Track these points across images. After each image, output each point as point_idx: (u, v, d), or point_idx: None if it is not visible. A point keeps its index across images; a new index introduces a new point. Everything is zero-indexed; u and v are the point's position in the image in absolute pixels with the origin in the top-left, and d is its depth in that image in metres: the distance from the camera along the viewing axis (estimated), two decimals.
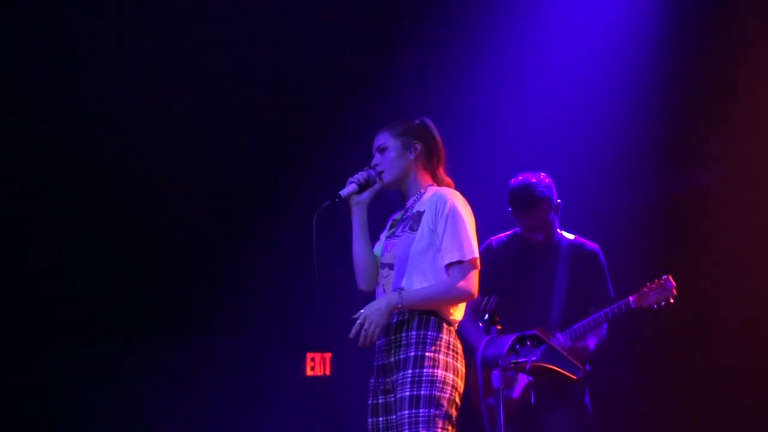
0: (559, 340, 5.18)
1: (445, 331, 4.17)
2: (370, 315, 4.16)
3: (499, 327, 3.95)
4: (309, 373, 6.94)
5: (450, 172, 4.46)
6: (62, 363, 6.69)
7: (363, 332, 4.19)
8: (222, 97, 6.91)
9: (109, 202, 6.81)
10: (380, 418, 4.24)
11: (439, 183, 4.41)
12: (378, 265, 4.39)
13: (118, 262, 6.83)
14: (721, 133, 6.85)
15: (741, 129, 6.80)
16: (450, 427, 4.09)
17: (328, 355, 6.95)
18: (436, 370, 4.08)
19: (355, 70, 7.07)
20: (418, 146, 4.36)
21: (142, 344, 6.80)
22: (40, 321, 6.68)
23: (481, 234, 5.52)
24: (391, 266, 4.31)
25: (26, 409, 6.55)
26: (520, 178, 5.36)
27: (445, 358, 4.13)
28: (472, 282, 4.18)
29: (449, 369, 4.13)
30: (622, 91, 6.84)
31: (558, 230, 5.41)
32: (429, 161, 4.39)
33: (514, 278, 5.32)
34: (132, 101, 6.76)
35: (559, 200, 5.37)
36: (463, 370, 4.20)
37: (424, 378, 4.07)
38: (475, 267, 4.20)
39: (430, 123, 4.45)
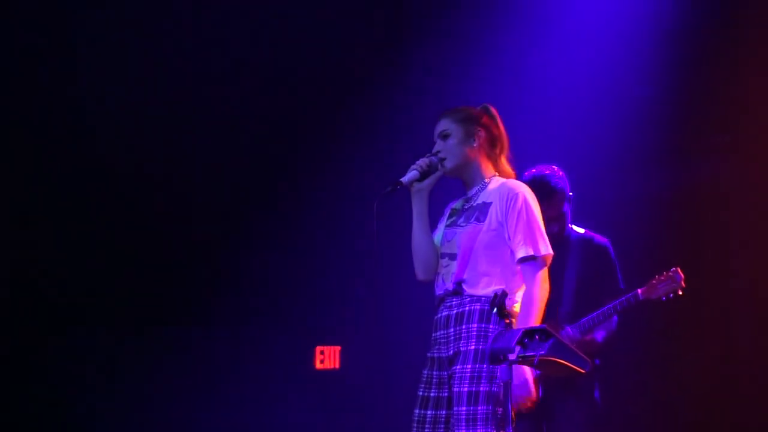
0: (568, 333, 5.17)
1: (506, 324, 4.11)
2: (520, 394, 4.14)
3: (507, 321, 3.93)
4: (318, 366, 6.95)
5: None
6: (72, 353, 6.72)
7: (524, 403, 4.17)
8: (221, 95, 6.92)
9: (111, 197, 6.82)
10: (429, 411, 4.17)
11: (501, 172, 4.34)
12: (435, 255, 4.32)
13: (133, 251, 6.85)
14: (731, 125, 6.84)
15: (751, 120, 6.79)
16: (506, 425, 4.00)
17: (337, 349, 6.96)
18: (496, 366, 4.02)
19: (356, 70, 7.08)
20: (482, 133, 4.30)
21: (153, 335, 6.82)
22: (44, 313, 6.70)
23: None
24: (452, 256, 4.23)
25: (30, 400, 6.58)
26: (534, 170, 5.35)
27: None
28: (542, 276, 4.13)
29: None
30: (631, 83, 6.83)
31: (569, 224, 5.41)
32: (492, 149, 4.33)
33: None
34: (132, 99, 6.77)
35: (571, 192, 5.37)
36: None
37: (484, 374, 4.03)
38: (546, 264, 4.17)
39: (493, 110, 4.38)
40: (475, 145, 4.28)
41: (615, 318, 5.33)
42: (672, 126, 6.85)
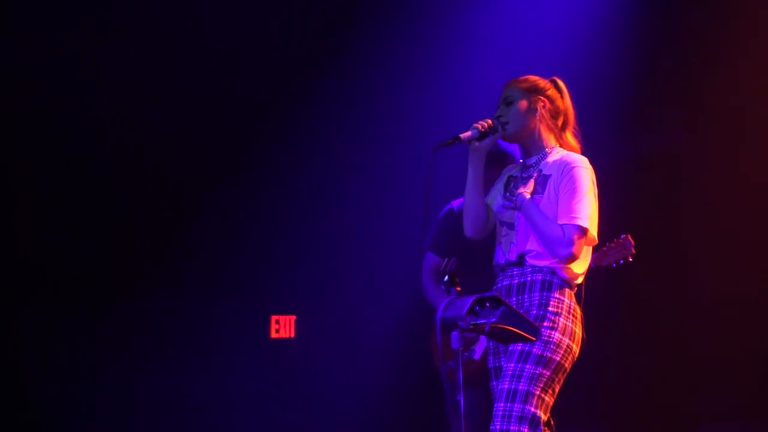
0: None
1: (567, 294, 4.12)
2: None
3: (458, 288, 3.93)
4: (273, 335, 6.94)
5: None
6: (30, 325, 6.68)
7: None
8: (186, 67, 6.89)
9: (60, 172, 6.77)
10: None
11: (564, 145, 4.32)
12: (488, 215, 4.32)
13: (82, 224, 6.81)
14: (687, 99, 6.89)
15: (708, 93, 6.84)
16: (550, 391, 4.04)
17: (292, 318, 6.96)
18: (553, 332, 4.03)
19: (317, 45, 7.08)
20: (546, 104, 4.28)
21: (106, 306, 6.78)
22: (10, 285, 6.66)
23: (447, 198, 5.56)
24: (511, 226, 4.23)
25: None
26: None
27: (564, 321, 4.07)
28: (576, 246, 4.10)
29: (566, 333, 4.06)
30: (588, 51, 6.85)
31: None
32: (554, 121, 4.31)
33: (475, 241, 5.29)
34: (96, 67, 6.73)
35: (520, 159, 5.35)
36: (581, 335, 4.13)
37: (540, 337, 4.01)
38: (585, 236, 4.12)
39: (561, 83, 4.37)
40: (537, 114, 4.27)
41: None
42: (627, 99, 6.89)
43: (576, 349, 4.12)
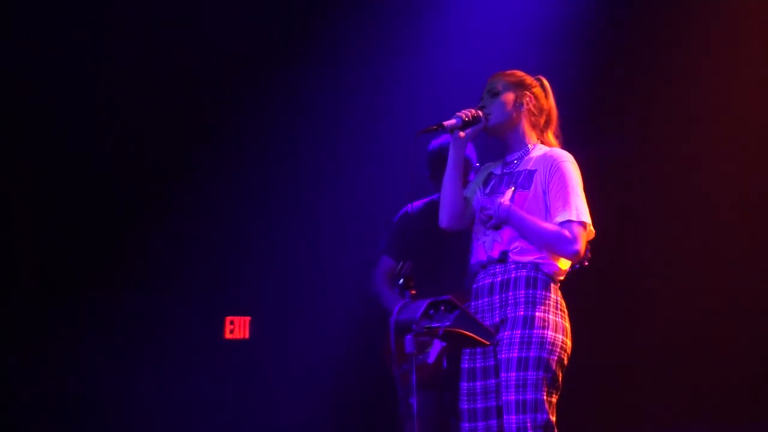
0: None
1: (552, 290, 4.09)
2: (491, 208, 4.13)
3: (413, 292, 3.93)
4: (228, 336, 6.92)
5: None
6: None
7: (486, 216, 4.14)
8: (136, 58, 6.84)
9: (15, 167, 6.71)
10: (478, 383, 4.13)
11: (545, 143, 4.29)
12: (465, 206, 4.28)
13: (31, 218, 6.73)
14: (636, 106, 6.96)
15: (656, 102, 6.91)
16: (555, 391, 4.02)
17: (247, 319, 6.94)
18: (546, 331, 4.01)
19: (276, 39, 7.05)
20: (530, 100, 4.26)
21: (62, 303, 6.71)
22: None
23: (402, 203, 5.56)
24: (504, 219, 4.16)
25: None
26: (441, 139, 5.32)
27: (554, 318, 4.05)
28: (581, 242, 4.08)
29: (558, 329, 4.04)
30: (542, 55, 6.89)
31: None
32: (537, 119, 4.29)
33: (431, 245, 5.30)
34: (48, 56, 6.67)
35: (477, 164, 5.36)
36: (570, 328, 4.12)
37: (534, 339, 3.99)
38: (586, 228, 4.11)
39: (546, 82, 4.34)
40: (522, 109, 4.25)
41: None
42: (577, 103, 6.94)
43: (569, 342, 4.10)
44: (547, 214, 4.13)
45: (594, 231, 4.17)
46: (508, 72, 4.32)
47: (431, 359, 5.23)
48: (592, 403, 6.68)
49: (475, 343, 3.92)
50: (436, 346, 5.20)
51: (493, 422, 4.08)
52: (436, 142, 5.36)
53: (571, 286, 4.26)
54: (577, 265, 5.30)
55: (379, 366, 5.68)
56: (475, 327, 3.87)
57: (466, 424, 4.13)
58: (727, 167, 6.76)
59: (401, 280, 3.94)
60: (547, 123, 4.33)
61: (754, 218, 6.75)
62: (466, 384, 4.17)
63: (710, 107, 6.81)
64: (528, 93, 4.27)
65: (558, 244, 4.07)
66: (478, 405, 4.12)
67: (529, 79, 4.32)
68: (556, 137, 4.34)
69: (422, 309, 3.76)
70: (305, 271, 7.04)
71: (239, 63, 7.02)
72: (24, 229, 6.72)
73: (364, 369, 6.59)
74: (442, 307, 3.80)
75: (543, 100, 4.31)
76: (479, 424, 4.11)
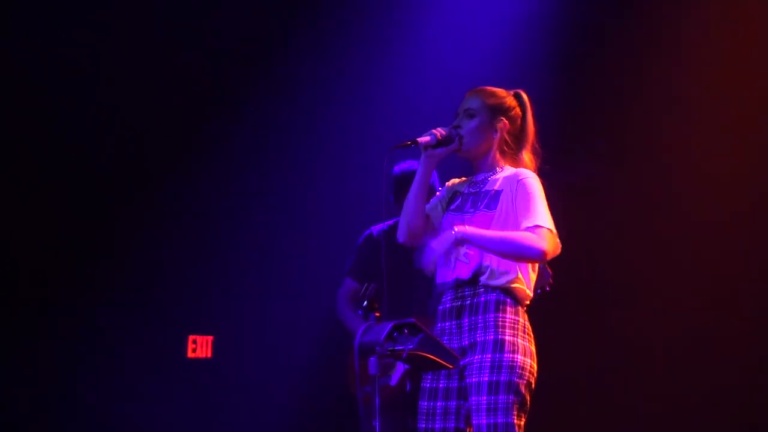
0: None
1: (521, 313, 4.08)
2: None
3: (377, 314, 3.93)
4: (190, 354, 6.89)
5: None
6: None
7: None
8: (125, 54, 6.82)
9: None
10: (438, 403, 4.11)
11: (518, 165, 4.26)
12: (425, 224, 4.26)
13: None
14: (610, 130, 7.00)
15: (629, 127, 6.96)
16: (524, 414, 4.02)
17: (210, 338, 6.92)
18: (516, 356, 3.99)
19: (264, 39, 7.08)
20: (505, 125, 4.23)
21: (20, 318, 6.64)
22: None
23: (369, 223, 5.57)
24: (461, 242, 4.11)
25: None
26: (405, 164, 5.32)
27: (522, 342, 4.04)
28: (549, 243, 4.03)
29: (527, 354, 4.04)
30: (514, 83, 6.92)
31: None
32: (512, 143, 4.26)
33: (395, 268, 5.29)
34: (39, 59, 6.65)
35: (440, 188, 5.36)
36: (535, 352, 4.10)
37: (504, 363, 3.98)
38: (554, 234, 4.06)
39: (525, 98, 4.32)
40: (495, 136, 4.23)
41: None
42: (550, 128, 6.97)
43: (535, 366, 4.10)
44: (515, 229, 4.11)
45: (560, 244, 4.13)
46: (489, 91, 4.30)
47: (394, 382, 5.24)
48: (579, 413, 6.74)
49: (438, 366, 3.91)
50: (399, 369, 5.21)
51: None
52: (399, 167, 5.37)
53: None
54: (539, 290, 5.34)
55: (342, 387, 5.68)
56: (438, 350, 3.86)
57: None
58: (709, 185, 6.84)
59: (365, 302, 3.94)
60: (524, 142, 4.30)
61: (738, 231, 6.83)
62: (426, 403, 4.15)
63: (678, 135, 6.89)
64: (503, 119, 4.24)
65: (522, 245, 4.03)
66: (437, 425, 4.11)
67: (509, 101, 4.29)
68: (534, 153, 4.32)
69: (386, 331, 3.76)
70: (269, 290, 7.03)
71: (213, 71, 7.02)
72: None
73: (326, 390, 6.59)
74: (406, 330, 3.80)
75: (520, 122, 4.29)
76: None
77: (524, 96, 4.33)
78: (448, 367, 3.91)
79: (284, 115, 7.12)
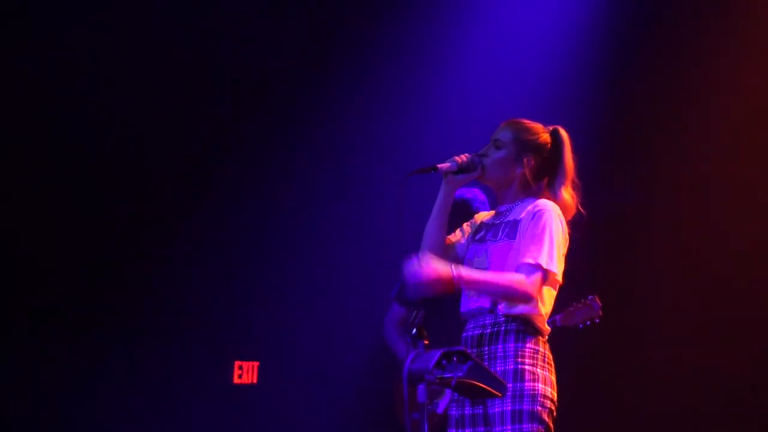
0: None
1: (540, 343, 4.10)
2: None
3: (426, 342, 3.94)
4: (236, 381, 6.92)
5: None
6: None
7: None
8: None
9: (25, 192, 6.71)
10: (467, 430, 4.14)
11: (548, 197, 4.22)
12: (445, 251, 4.25)
13: (33, 258, 6.72)
14: (651, 154, 6.98)
15: (672, 151, 6.93)
16: None
17: (255, 364, 6.94)
18: (536, 384, 4.02)
19: (300, 68, 7.11)
20: (531, 162, 4.20)
21: (68, 344, 6.70)
22: None
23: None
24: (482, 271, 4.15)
25: None
26: (461, 192, 5.34)
27: (542, 372, 4.06)
28: (537, 287, 4.02)
29: (547, 383, 4.06)
30: (554, 106, 6.92)
31: None
32: (539, 177, 4.24)
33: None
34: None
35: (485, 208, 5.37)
36: (555, 381, 4.11)
37: (525, 393, 4.00)
38: (547, 278, 4.06)
39: (563, 134, 4.27)
40: (519, 171, 4.22)
41: None
42: (595, 152, 6.96)
43: (555, 395, 4.10)
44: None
45: (560, 279, 4.12)
46: (524, 126, 4.28)
47: (440, 409, 5.23)
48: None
49: (487, 395, 3.91)
50: (446, 397, 5.20)
51: None
52: (460, 192, 5.39)
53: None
54: (589, 322, 5.32)
55: (389, 414, 5.68)
56: (487, 378, 3.86)
57: None
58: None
59: (414, 330, 3.95)
60: (560, 179, 4.25)
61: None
62: (454, 431, 4.18)
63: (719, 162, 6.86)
64: (531, 156, 4.22)
65: (510, 289, 4.03)
66: None
67: (542, 138, 4.26)
68: (575, 189, 4.27)
69: (435, 359, 3.76)
70: (315, 316, 7.04)
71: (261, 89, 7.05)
72: (28, 271, 6.72)
73: (373, 416, 6.58)
74: (455, 358, 3.80)
75: (551, 157, 4.24)
76: None
77: (562, 132, 4.28)
78: (497, 395, 3.90)
79: (328, 130, 7.14)
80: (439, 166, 4.17)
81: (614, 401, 6.87)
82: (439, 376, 3.77)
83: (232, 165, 7.08)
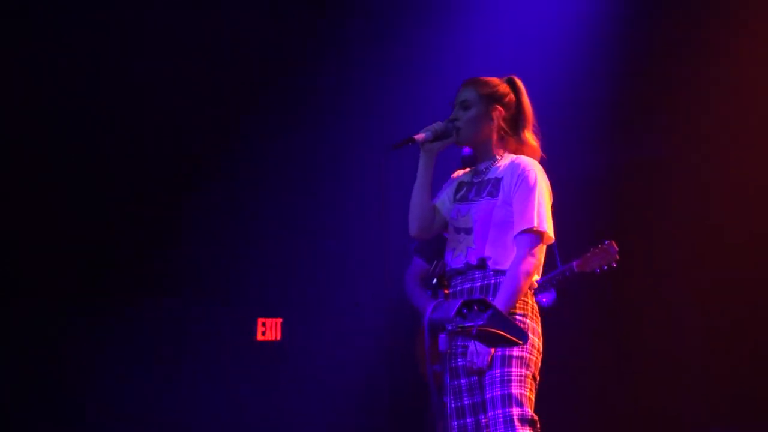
0: None
1: (528, 295, 4.19)
2: (474, 357, 4.14)
3: (446, 291, 3.98)
4: (260, 337, 6.96)
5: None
6: (13, 325, 6.66)
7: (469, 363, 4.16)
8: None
9: (44, 168, 6.75)
10: (462, 380, 4.21)
11: (518, 149, 4.33)
12: (434, 216, 4.36)
13: (59, 218, 6.77)
14: (671, 108, 6.97)
15: (691, 106, 6.92)
16: (534, 390, 4.12)
17: (279, 320, 6.98)
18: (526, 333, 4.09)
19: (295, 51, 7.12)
20: (501, 112, 4.32)
21: (92, 308, 6.74)
22: None
23: None
24: (468, 231, 4.25)
25: None
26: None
27: (530, 322, 4.15)
28: (538, 253, 4.15)
29: (535, 333, 4.15)
30: (575, 62, 6.91)
31: None
32: (510, 127, 4.34)
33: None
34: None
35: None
36: (541, 331, 4.21)
37: (525, 339, 4.03)
38: (543, 240, 4.18)
39: (518, 83, 4.38)
40: (492, 123, 4.31)
41: (553, 291, 5.41)
42: (611, 106, 6.96)
43: (541, 346, 4.20)
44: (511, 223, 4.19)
45: (553, 237, 4.22)
46: (481, 81, 4.37)
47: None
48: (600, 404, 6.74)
49: (508, 342, 3.94)
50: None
51: (482, 417, 4.17)
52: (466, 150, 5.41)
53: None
54: (606, 267, 5.34)
55: (411, 365, 5.72)
56: (508, 326, 3.89)
57: (455, 422, 4.20)
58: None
59: (434, 280, 3.99)
60: (523, 124, 4.36)
61: None
62: (452, 381, 4.23)
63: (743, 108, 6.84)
64: (498, 107, 4.31)
65: (523, 282, 4.12)
66: (465, 402, 4.21)
67: (502, 88, 4.36)
68: (535, 133, 4.38)
69: (456, 308, 3.79)
70: (336, 271, 7.07)
71: (262, 68, 7.06)
72: (52, 231, 6.77)
73: (395, 368, 6.63)
74: (476, 307, 3.83)
75: (515, 107, 4.35)
76: (468, 420, 4.19)
77: (517, 81, 4.39)
78: (518, 343, 3.93)
79: (336, 96, 7.15)
80: (415, 137, 4.25)
81: (633, 343, 6.89)
82: (460, 324, 3.81)
83: (254, 132, 7.10)
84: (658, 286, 6.87)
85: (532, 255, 4.14)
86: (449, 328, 3.79)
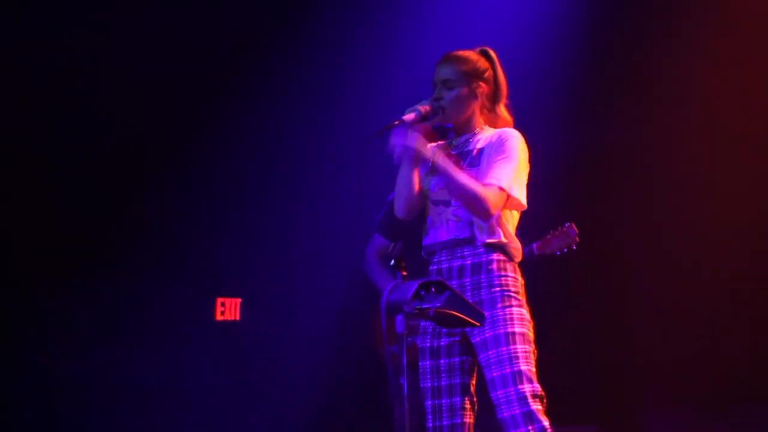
0: None
1: (517, 271, 4.17)
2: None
3: (404, 273, 3.95)
4: (219, 317, 6.94)
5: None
6: None
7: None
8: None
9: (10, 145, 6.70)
10: (442, 360, 4.19)
11: (496, 121, 4.32)
12: (421, 198, 4.29)
13: (20, 201, 6.73)
14: (635, 92, 6.99)
15: (654, 90, 6.94)
16: (536, 364, 4.10)
17: (238, 300, 6.96)
18: (522, 309, 4.10)
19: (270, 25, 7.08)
20: (484, 88, 4.30)
21: (51, 287, 6.73)
22: None
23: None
24: (446, 203, 4.22)
25: None
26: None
27: (522, 298, 4.14)
28: (493, 203, 4.08)
29: (526, 307, 4.15)
30: (543, 44, 6.91)
31: None
32: (490, 102, 4.33)
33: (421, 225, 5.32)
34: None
35: None
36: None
37: (515, 316, 4.08)
38: (509, 201, 4.14)
39: (493, 54, 4.36)
40: (477, 100, 4.30)
41: None
42: (579, 91, 6.97)
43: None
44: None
45: (524, 204, 4.21)
46: (461, 58, 4.32)
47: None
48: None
49: (465, 324, 3.93)
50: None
51: (457, 399, 4.15)
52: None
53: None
54: (566, 249, 5.35)
55: (368, 346, 5.71)
56: (465, 308, 3.87)
57: (429, 402, 4.18)
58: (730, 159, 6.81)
59: (392, 261, 3.96)
60: (498, 97, 4.35)
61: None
62: (429, 362, 4.22)
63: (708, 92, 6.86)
64: (481, 83, 4.30)
65: (477, 197, 4.07)
66: (443, 382, 4.18)
67: (481, 63, 4.33)
68: (507, 108, 4.37)
69: (413, 290, 3.76)
70: (295, 251, 7.06)
71: (231, 51, 7.02)
72: (11, 216, 6.72)
73: (352, 350, 6.62)
74: (433, 288, 3.80)
75: (494, 80, 4.33)
76: (443, 401, 4.17)
77: (491, 52, 4.37)
78: (476, 325, 3.92)
79: (308, 88, 7.14)
80: (404, 117, 4.20)
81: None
82: (417, 306, 3.78)
83: (214, 113, 7.07)
84: (616, 270, 6.91)
85: (493, 198, 4.08)
86: (406, 310, 3.78)
